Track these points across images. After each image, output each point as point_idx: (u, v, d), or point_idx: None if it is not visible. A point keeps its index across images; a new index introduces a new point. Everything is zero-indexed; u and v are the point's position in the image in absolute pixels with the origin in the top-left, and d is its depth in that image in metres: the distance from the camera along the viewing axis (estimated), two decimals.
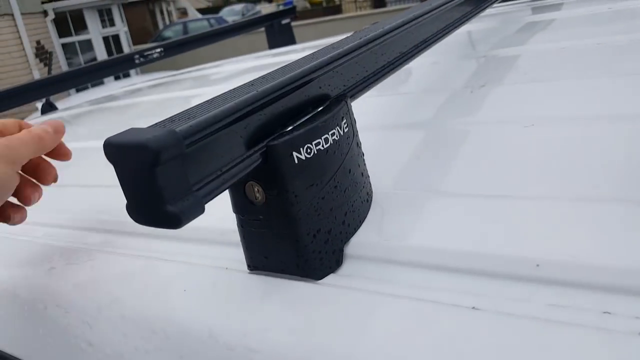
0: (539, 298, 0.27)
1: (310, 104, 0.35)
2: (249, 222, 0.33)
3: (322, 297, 0.31)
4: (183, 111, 0.28)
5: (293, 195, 0.31)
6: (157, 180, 0.24)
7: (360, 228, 0.36)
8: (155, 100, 1.12)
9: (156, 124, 0.27)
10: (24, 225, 0.58)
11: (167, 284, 0.37)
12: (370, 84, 0.43)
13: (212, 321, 0.32)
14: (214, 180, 0.27)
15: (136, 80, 1.58)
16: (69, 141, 0.99)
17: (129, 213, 0.26)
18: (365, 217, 0.37)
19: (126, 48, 7.66)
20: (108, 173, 0.60)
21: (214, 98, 0.30)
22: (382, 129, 0.55)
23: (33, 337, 0.43)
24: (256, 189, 0.32)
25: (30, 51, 5.01)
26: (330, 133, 0.33)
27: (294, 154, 0.31)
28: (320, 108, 0.35)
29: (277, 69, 0.35)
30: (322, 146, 0.33)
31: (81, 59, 7.15)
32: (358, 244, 0.34)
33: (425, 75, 0.74)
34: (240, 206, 0.33)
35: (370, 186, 0.39)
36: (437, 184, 0.40)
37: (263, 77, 0.34)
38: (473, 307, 0.28)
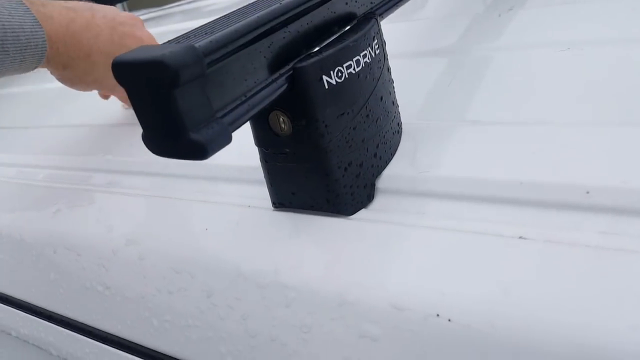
0: (590, 226, 0.25)
1: (336, 23, 0.31)
2: (274, 155, 0.31)
3: (356, 232, 0.29)
4: (198, 27, 0.24)
5: (323, 125, 0.28)
6: (176, 104, 0.21)
7: (392, 161, 0.33)
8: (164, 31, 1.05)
9: (169, 41, 0.23)
10: (23, 168, 0.56)
11: (186, 223, 0.35)
12: (398, 2, 0.38)
13: (240, 259, 0.30)
14: (239, 106, 0.24)
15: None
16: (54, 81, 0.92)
17: (145, 144, 0.23)
18: (397, 149, 0.34)
19: None
20: (110, 111, 0.56)
21: (231, 13, 0.26)
22: (403, 57, 0.51)
23: (45, 283, 0.41)
24: (281, 119, 0.29)
25: None
26: (361, 54, 0.30)
27: (324, 77, 0.28)
28: (348, 27, 0.31)
29: None
30: (354, 69, 0.29)
31: None
32: (391, 177, 0.32)
33: None
34: (264, 139, 0.30)
35: (400, 116, 0.36)
36: (469, 113, 0.37)
37: None
38: (520, 237, 0.26)
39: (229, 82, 0.24)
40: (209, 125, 0.22)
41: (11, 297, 0.45)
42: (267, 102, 0.26)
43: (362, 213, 0.31)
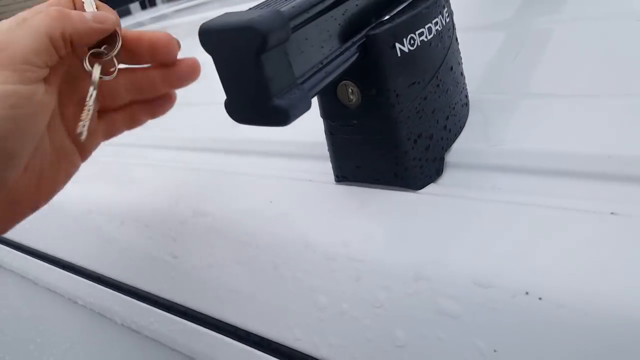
0: None
1: None
2: (340, 127, 0.30)
3: (428, 206, 0.29)
4: None
5: (394, 95, 0.28)
6: (263, 70, 0.21)
7: (461, 134, 0.32)
8: (200, 18, 1.06)
9: (250, 8, 0.23)
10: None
11: (250, 196, 0.35)
12: None
13: (306, 231, 0.30)
14: (317, 73, 0.24)
15: (163, 8, 1.50)
16: None
17: (227, 110, 0.23)
18: (465, 121, 0.33)
19: None
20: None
21: None
22: (464, 31, 0.49)
23: (112, 253, 0.43)
24: (350, 90, 0.29)
25: None
26: (433, 22, 0.29)
27: (397, 45, 0.27)
28: None
29: None
30: (426, 37, 0.28)
31: None
32: (460, 150, 0.31)
33: None
34: (331, 110, 0.30)
35: (467, 89, 0.35)
36: (539, 86, 0.36)
37: None
38: (612, 213, 0.24)
39: (308, 48, 0.23)
40: (291, 91, 0.22)
41: (78, 266, 0.47)
42: (341, 69, 0.25)
43: (430, 187, 0.30)
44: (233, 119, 0.23)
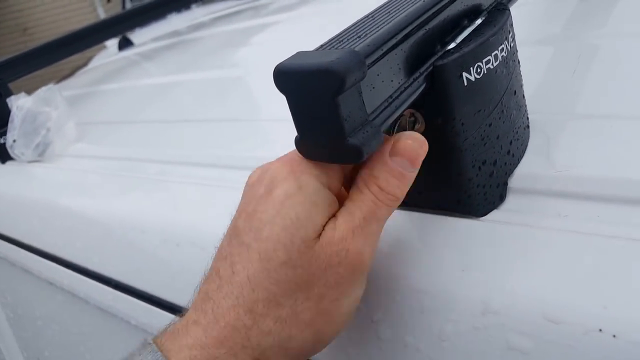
0: None
1: (466, 15, 0.30)
2: None
3: (492, 235, 0.28)
4: (346, 29, 0.24)
5: (460, 123, 0.27)
6: (338, 111, 0.21)
7: (524, 158, 0.32)
8: (238, 29, 1.08)
9: (322, 45, 0.23)
10: (129, 161, 0.59)
11: None
12: None
13: None
14: (387, 107, 0.24)
15: (199, 12, 1.52)
16: (158, 76, 0.99)
17: (298, 148, 0.23)
18: (527, 144, 0.32)
19: None
20: (216, 106, 0.57)
21: (373, 12, 0.26)
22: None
23: (167, 274, 0.44)
24: (414, 118, 0.28)
25: None
26: (499, 49, 0.28)
27: (464, 74, 0.27)
28: (480, 20, 0.30)
29: None
30: (492, 64, 0.28)
31: None
32: (524, 175, 0.31)
33: None
34: None
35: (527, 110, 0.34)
36: (601, 106, 0.35)
37: None
38: None
39: (379, 84, 0.23)
40: (364, 129, 0.22)
41: (132, 287, 0.49)
42: (409, 101, 0.25)
43: (494, 214, 0.30)
44: (303, 155, 0.23)
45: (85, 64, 1.62)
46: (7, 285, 0.78)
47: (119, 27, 1.28)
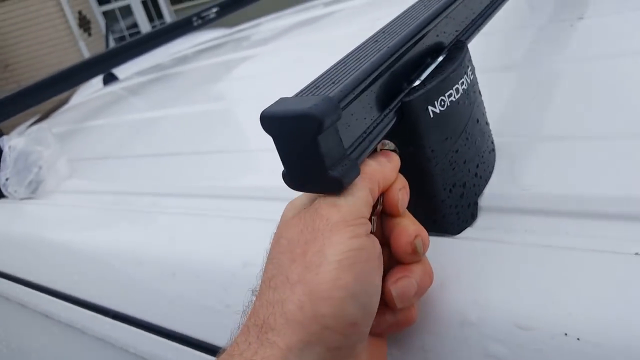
0: None
1: (429, 54, 0.34)
2: None
3: (466, 251, 0.31)
4: (320, 76, 0.27)
5: (430, 151, 0.30)
6: (319, 148, 0.24)
7: (491, 179, 0.35)
8: (220, 62, 1.11)
9: (301, 91, 0.26)
10: (121, 195, 0.61)
11: None
12: (479, 27, 0.40)
13: None
14: (362, 142, 0.27)
15: (185, 42, 1.56)
16: (145, 110, 1.01)
17: (285, 181, 0.26)
18: (493, 166, 0.36)
19: (165, 10, 7.62)
20: (211, 139, 0.59)
21: (344, 59, 0.29)
22: (480, 73, 0.52)
23: (164, 302, 0.45)
24: (387, 147, 0.31)
25: (74, 22, 5.11)
26: (460, 82, 0.32)
27: (429, 108, 0.30)
28: (441, 57, 0.34)
29: (393, 21, 0.34)
30: (454, 97, 0.31)
31: (122, 25, 7.21)
32: (492, 195, 0.34)
33: (508, 10, 0.69)
34: None
35: (492, 134, 0.38)
36: (561, 127, 0.38)
37: (382, 31, 0.32)
38: (636, 253, 0.26)
39: (354, 122, 0.26)
40: (342, 163, 0.25)
41: (130, 316, 0.50)
42: (382, 135, 0.28)
43: (467, 232, 0.32)
44: (290, 187, 0.26)
45: (68, 98, 1.64)
46: (1, 321, 0.79)
47: (106, 64, 1.31)
